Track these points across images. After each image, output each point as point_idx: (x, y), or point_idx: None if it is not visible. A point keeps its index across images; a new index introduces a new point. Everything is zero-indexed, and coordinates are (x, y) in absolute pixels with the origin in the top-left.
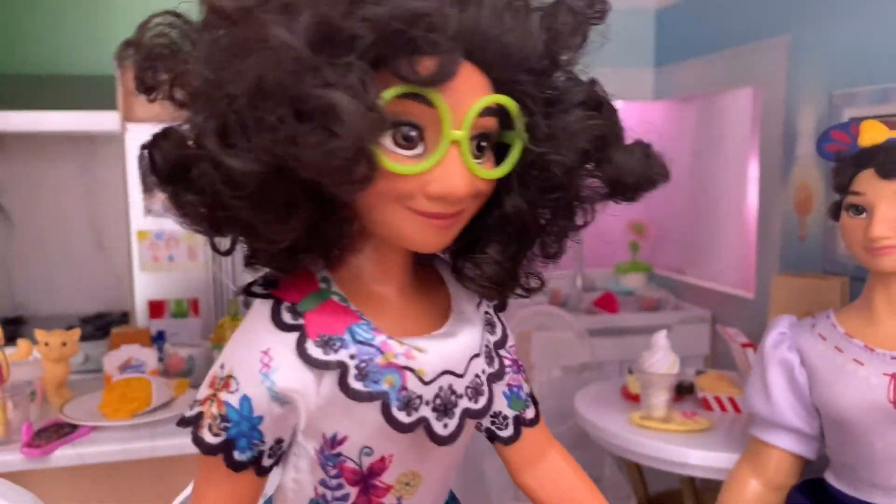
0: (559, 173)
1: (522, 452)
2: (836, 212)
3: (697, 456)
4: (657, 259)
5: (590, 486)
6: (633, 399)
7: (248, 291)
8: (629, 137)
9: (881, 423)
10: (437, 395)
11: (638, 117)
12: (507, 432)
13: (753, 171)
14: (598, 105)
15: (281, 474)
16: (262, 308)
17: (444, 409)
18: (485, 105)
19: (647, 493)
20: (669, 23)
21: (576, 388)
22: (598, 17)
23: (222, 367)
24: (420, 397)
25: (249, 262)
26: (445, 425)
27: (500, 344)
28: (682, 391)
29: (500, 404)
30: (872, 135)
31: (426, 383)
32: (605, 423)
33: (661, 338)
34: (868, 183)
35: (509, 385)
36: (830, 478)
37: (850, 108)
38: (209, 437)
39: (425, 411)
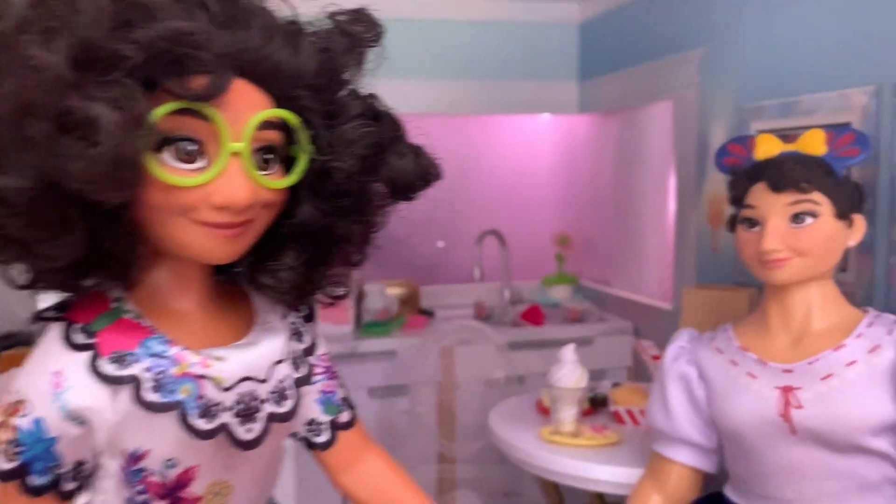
0: (342, 179)
1: (340, 456)
2: (733, 224)
3: (605, 471)
4: (584, 271)
5: (407, 484)
6: (547, 413)
7: (38, 317)
8: (406, 142)
9: (772, 436)
10: (238, 401)
11: (564, 130)
12: (324, 438)
13: (673, 183)
14: (377, 116)
15: (89, 498)
16: (53, 331)
17: (246, 415)
18: (263, 119)
19: None
20: (592, 37)
21: (498, 403)
22: (373, 40)
23: (13, 392)
24: (219, 404)
25: (32, 284)
26: (249, 430)
27: (309, 351)
28: (597, 404)
29: (315, 411)
30: (767, 148)
31: (225, 390)
32: (515, 439)
33: (568, 352)
34: (760, 196)
35: (323, 391)
36: (729, 491)
37: (757, 122)
38: (2, 464)
39: (226, 417)
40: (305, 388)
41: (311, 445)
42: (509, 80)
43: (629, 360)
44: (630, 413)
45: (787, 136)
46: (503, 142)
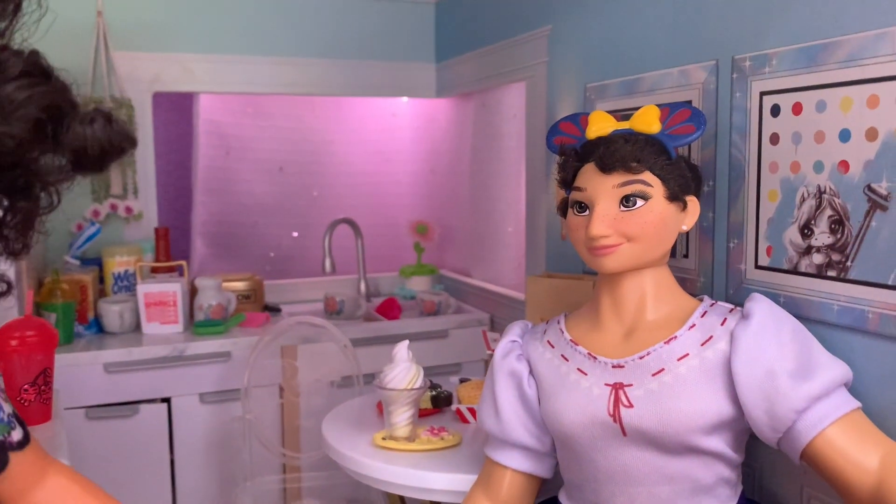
0: (10, 148)
1: (16, 481)
2: (564, 209)
3: (441, 479)
4: (444, 261)
5: (101, 498)
6: None
7: None
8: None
9: (602, 438)
10: None
11: (423, 114)
12: None
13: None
14: (46, 75)
15: None
16: None
17: None
18: None
19: None
20: (448, 15)
21: (335, 407)
22: None
23: None
24: None
25: None
26: None
27: None
28: (440, 403)
29: None
30: (599, 127)
31: None
32: (346, 447)
33: (401, 350)
34: (589, 178)
35: None
36: (563, 497)
37: (602, 101)
38: None
39: None
40: None
41: None
42: (365, 59)
43: (485, 353)
44: (473, 411)
45: (629, 115)
46: (360, 126)
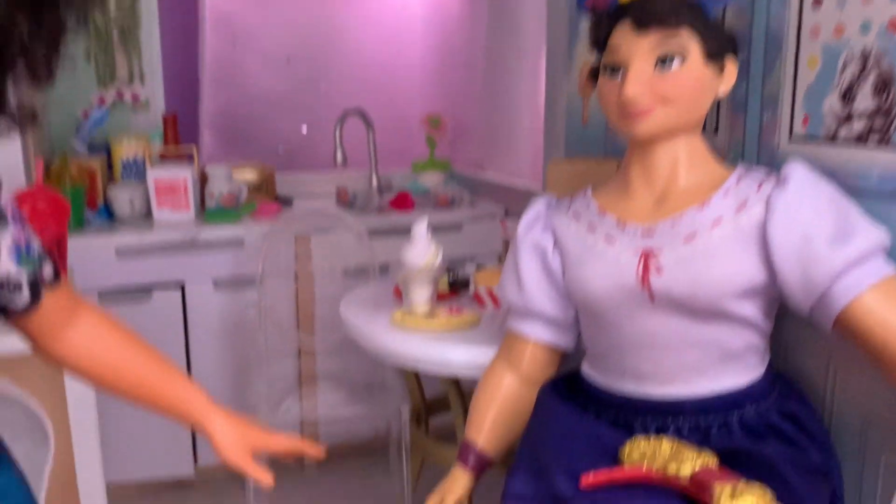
0: None
1: (47, 318)
2: (595, 76)
3: (460, 354)
4: (457, 156)
5: (136, 340)
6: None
7: None
8: None
9: (629, 305)
10: None
11: (436, 3)
12: (23, 299)
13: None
14: None
15: None
16: None
17: None
18: None
19: (424, 397)
20: None
21: (353, 290)
22: None
23: None
24: None
25: None
26: None
27: None
28: (457, 286)
29: (7, 266)
30: None
31: None
32: (365, 324)
33: (420, 228)
34: (622, 37)
35: (14, 241)
36: (586, 368)
37: None
38: None
39: None
40: None
41: (7, 313)
42: None
43: (499, 246)
44: (491, 293)
45: None
46: (370, 14)
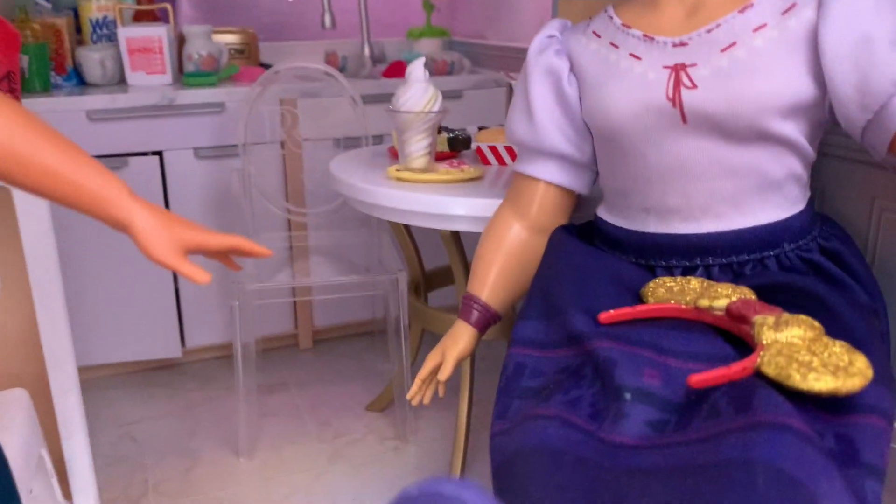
0: None
1: None
2: None
3: (460, 205)
4: (456, 24)
5: (46, 129)
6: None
7: None
8: None
9: (656, 128)
10: None
11: None
12: None
13: None
14: None
15: None
16: None
17: None
18: None
19: (424, 270)
20: None
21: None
22: None
23: None
24: None
25: None
26: None
27: None
28: (457, 145)
29: None
30: None
31: None
32: (357, 179)
33: (416, 68)
34: None
35: None
36: (602, 212)
37: None
38: None
39: None
40: None
41: None
42: None
43: (502, 113)
44: (494, 150)
45: None
46: None
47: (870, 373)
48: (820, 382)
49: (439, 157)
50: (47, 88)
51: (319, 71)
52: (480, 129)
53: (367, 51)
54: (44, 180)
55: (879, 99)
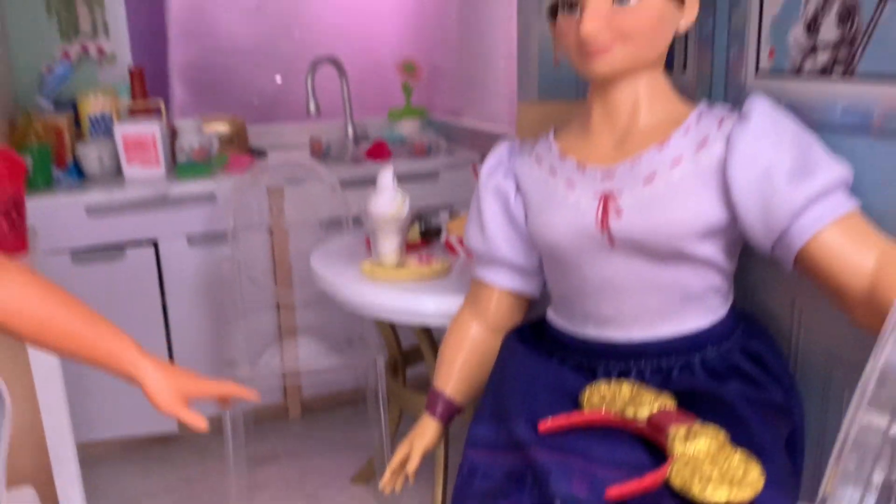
0: None
1: None
2: (554, 13)
3: (430, 303)
4: (433, 102)
5: (62, 295)
6: None
7: None
8: None
9: (590, 250)
10: None
11: None
12: None
13: None
14: None
15: None
16: None
17: None
18: None
19: (401, 348)
20: None
21: (324, 242)
22: None
23: None
24: None
25: None
26: None
27: None
28: (429, 235)
29: None
30: None
31: None
32: (334, 275)
33: (385, 176)
34: None
35: None
36: (551, 313)
37: None
38: None
39: None
40: None
41: None
42: None
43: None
44: (462, 241)
45: None
46: None
47: (760, 484)
48: (716, 494)
49: (412, 247)
50: (49, 184)
51: (304, 164)
52: (452, 215)
53: (350, 132)
54: (63, 342)
55: (780, 226)
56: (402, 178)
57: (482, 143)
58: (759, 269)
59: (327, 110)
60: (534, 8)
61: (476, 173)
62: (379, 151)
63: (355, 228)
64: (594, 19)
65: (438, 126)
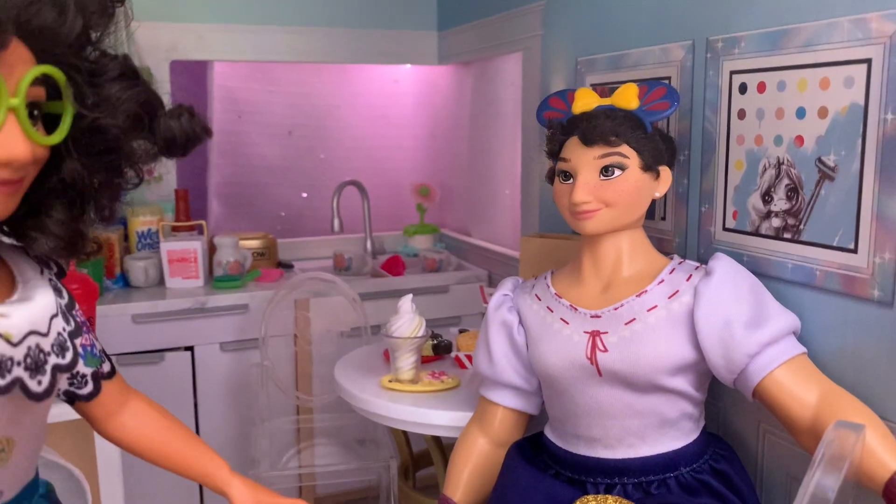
0: (114, 136)
1: (104, 405)
2: (551, 177)
3: (442, 416)
4: (445, 220)
5: (175, 424)
6: None
7: None
8: (178, 103)
9: (581, 378)
10: (27, 355)
11: (425, 81)
12: (87, 389)
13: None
14: (137, 75)
15: None
16: None
17: (35, 367)
18: (37, 74)
19: (412, 452)
20: None
21: (346, 354)
22: (119, 1)
23: None
24: (11, 359)
25: None
26: (39, 382)
27: (70, 307)
28: (440, 351)
29: (77, 364)
30: (584, 103)
31: (15, 345)
32: (357, 388)
33: (405, 302)
34: (573, 150)
35: (82, 345)
36: (548, 430)
37: (591, 74)
38: None
39: (18, 371)
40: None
41: (73, 399)
42: (370, 28)
43: (482, 307)
44: (470, 358)
45: (615, 88)
46: (364, 91)
47: None
48: None
49: (425, 361)
50: (100, 294)
51: (326, 278)
52: (461, 331)
53: (369, 246)
54: (173, 462)
55: (739, 366)
56: (415, 292)
57: (488, 261)
58: (727, 395)
59: (348, 225)
60: (535, 150)
61: (483, 295)
62: (395, 265)
63: (373, 337)
64: (584, 190)
65: (449, 240)
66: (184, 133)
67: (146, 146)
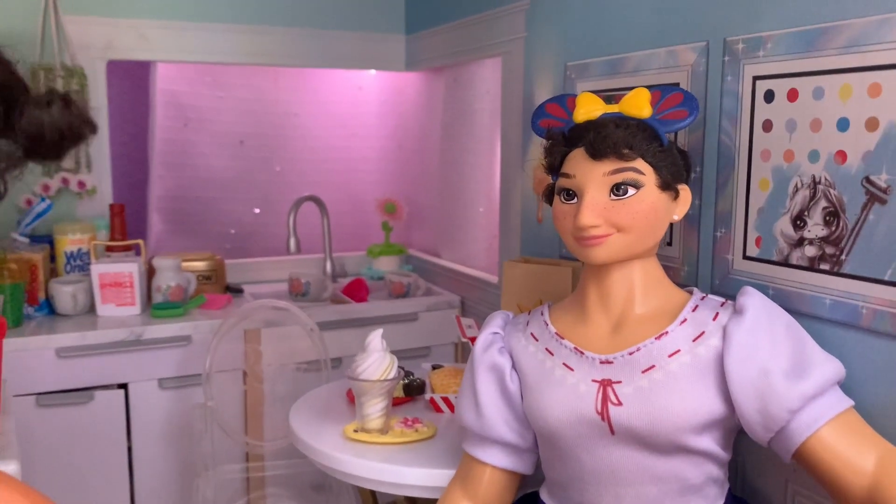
0: None
1: None
2: (550, 195)
3: (415, 474)
4: (412, 240)
5: None
6: None
7: None
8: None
9: (589, 436)
10: None
11: (391, 87)
12: None
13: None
14: None
15: None
16: None
17: None
18: None
19: (376, 500)
20: None
21: (303, 394)
22: None
23: None
24: None
25: None
26: None
27: None
28: (413, 392)
29: None
30: (588, 109)
31: None
32: (315, 439)
33: (374, 339)
34: (578, 164)
35: None
36: (544, 494)
37: (583, 81)
38: None
39: None
40: None
41: None
42: (332, 29)
43: (455, 337)
44: (447, 401)
45: (613, 97)
46: (324, 99)
47: None
48: None
49: (395, 403)
50: (19, 324)
51: (280, 306)
52: (434, 367)
53: (328, 268)
54: None
55: (778, 423)
56: (380, 319)
57: (461, 286)
58: (752, 450)
59: (305, 245)
60: (516, 164)
61: (461, 327)
62: (357, 289)
63: (334, 371)
64: (592, 212)
65: (417, 263)
66: (55, 127)
67: (5, 146)
